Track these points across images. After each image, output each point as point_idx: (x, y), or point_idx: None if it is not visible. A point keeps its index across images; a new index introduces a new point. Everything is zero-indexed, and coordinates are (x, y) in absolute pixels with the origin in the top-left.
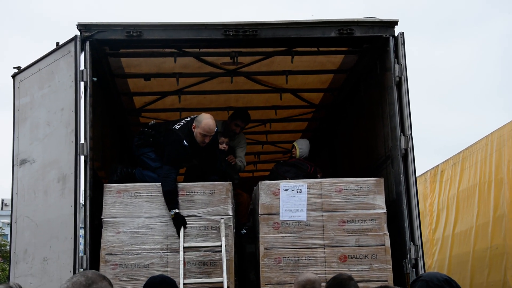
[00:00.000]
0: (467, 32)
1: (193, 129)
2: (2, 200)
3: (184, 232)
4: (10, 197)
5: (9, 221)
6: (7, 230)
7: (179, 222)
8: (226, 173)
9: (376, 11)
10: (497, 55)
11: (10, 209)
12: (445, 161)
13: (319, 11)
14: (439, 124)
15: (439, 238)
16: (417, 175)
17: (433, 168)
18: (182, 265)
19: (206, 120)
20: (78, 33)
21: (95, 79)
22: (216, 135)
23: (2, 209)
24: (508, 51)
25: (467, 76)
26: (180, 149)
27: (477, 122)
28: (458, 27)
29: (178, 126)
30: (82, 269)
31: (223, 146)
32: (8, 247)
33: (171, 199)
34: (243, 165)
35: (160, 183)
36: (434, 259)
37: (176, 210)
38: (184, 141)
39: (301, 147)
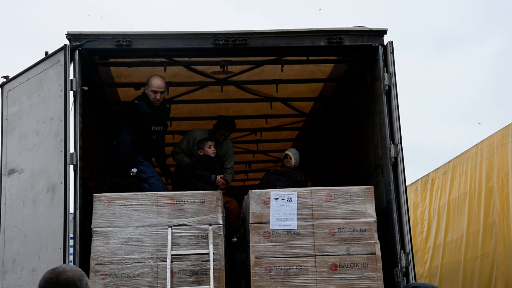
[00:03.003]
0: (464, 48)
1: (145, 92)
2: None
3: (173, 241)
4: None
5: None
6: None
7: (135, 181)
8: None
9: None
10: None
11: None
12: (436, 169)
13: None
14: (438, 135)
15: (430, 246)
16: (408, 183)
17: (423, 176)
18: (169, 274)
19: (153, 78)
20: (67, 42)
21: (86, 88)
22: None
23: None
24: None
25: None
26: (132, 109)
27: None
28: (456, 43)
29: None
30: None
31: (211, 151)
32: None
33: (129, 159)
34: (232, 177)
35: (150, 192)
36: (425, 267)
37: (136, 170)
38: (135, 100)
39: (296, 156)
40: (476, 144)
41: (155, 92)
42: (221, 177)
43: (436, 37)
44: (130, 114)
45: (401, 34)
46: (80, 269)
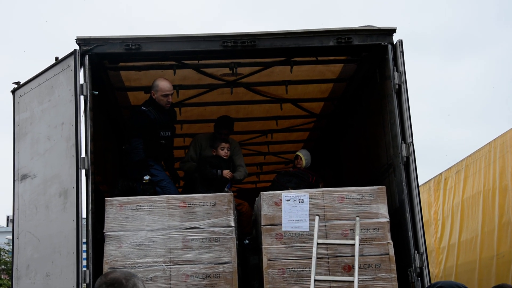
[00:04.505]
0: (477, 49)
1: (153, 98)
2: (8, 216)
3: (185, 244)
4: None
5: None
6: None
7: (150, 187)
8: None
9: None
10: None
11: None
12: (449, 168)
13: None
14: (452, 136)
15: (445, 246)
16: (420, 183)
17: (436, 176)
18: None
19: (160, 82)
20: (77, 47)
21: (96, 92)
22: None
23: (7, 225)
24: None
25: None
26: (139, 116)
27: (486, 132)
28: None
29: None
30: (85, 284)
31: (223, 152)
32: None
33: (141, 167)
34: (245, 173)
35: (161, 195)
36: (440, 267)
37: (148, 177)
38: (142, 107)
39: (306, 157)
40: (489, 143)
41: (166, 95)
42: (227, 171)
43: (449, 39)
44: (138, 121)
45: (415, 36)
46: (131, 272)
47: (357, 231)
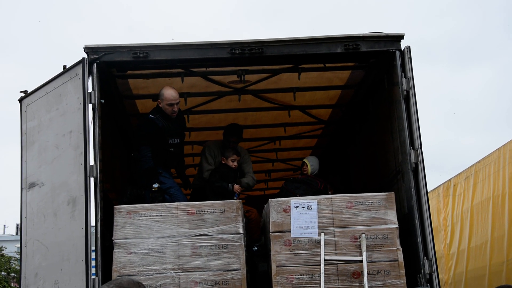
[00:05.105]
0: (485, 57)
1: (159, 106)
2: (17, 225)
3: (194, 252)
4: None
5: None
6: None
7: (159, 195)
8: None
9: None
10: None
11: None
12: (458, 175)
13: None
14: (461, 143)
15: (454, 252)
16: (429, 189)
17: (445, 182)
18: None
19: (166, 90)
20: (85, 55)
21: (103, 101)
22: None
23: (16, 233)
24: None
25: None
26: (147, 124)
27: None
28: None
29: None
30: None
31: (234, 165)
32: None
33: (150, 175)
34: (254, 180)
35: (170, 203)
36: (450, 274)
37: (157, 185)
38: (150, 115)
39: (312, 163)
40: (498, 148)
41: (171, 104)
42: (238, 186)
43: (458, 47)
44: (146, 129)
45: (424, 44)
46: (137, 281)
47: (364, 248)
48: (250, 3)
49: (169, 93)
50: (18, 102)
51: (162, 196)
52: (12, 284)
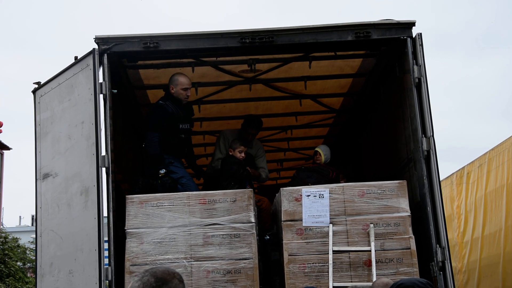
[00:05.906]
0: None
1: (172, 92)
2: (32, 216)
3: (206, 241)
4: None
5: None
6: None
7: (167, 179)
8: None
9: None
10: None
11: None
12: (471, 162)
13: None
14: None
15: (468, 241)
16: (442, 178)
17: (459, 170)
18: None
19: (179, 76)
20: (96, 46)
21: (115, 91)
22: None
23: (32, 224)
24: None
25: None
26: (158, 110)
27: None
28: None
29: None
30: (107, 281)
31: (240, 155)
32: None
33: (157, 161)
34: (267, 176)
35: (181, 192)
36: (464, 262)
37: (164, 170)
38: (160, 101)
39: (325, 152)
40: (511, 136)
41: (185, 89)
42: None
43: (475, 36)
44: (156, 115)
45: (440, 33)
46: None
47: (372, 237)
48: None
49: (183, 78)
50: (31, 93)
51: (171, 179)
52: (28, 274)
